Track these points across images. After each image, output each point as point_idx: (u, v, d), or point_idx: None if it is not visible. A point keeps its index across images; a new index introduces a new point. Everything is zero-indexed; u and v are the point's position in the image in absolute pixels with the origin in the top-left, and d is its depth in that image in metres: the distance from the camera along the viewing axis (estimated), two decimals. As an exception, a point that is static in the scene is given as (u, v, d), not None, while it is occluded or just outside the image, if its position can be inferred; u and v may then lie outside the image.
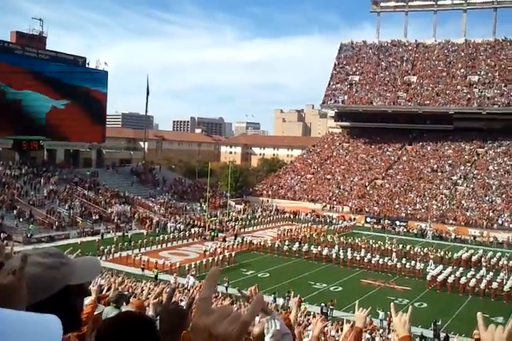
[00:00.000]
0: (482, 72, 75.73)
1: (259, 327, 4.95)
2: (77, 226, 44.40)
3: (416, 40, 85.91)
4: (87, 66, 61.79)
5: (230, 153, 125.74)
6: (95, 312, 4.03)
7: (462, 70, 77.31)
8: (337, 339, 15.20)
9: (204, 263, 33.64)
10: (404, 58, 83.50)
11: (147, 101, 69.91)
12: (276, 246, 40.26)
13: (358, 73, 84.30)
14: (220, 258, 35.63)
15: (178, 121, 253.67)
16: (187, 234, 44.54)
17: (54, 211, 46.04)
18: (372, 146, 75.75)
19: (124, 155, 73.17)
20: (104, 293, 8.13)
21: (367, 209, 59.30)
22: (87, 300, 3.95)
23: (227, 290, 28.73)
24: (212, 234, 45.18)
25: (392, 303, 3.19)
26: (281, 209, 61.46)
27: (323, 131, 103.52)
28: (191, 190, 63.86)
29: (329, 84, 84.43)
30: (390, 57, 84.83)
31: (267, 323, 3.12)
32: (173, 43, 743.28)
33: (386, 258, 36.61)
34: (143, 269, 32.71)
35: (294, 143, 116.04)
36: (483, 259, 37.82)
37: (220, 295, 26.01)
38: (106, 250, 35.83)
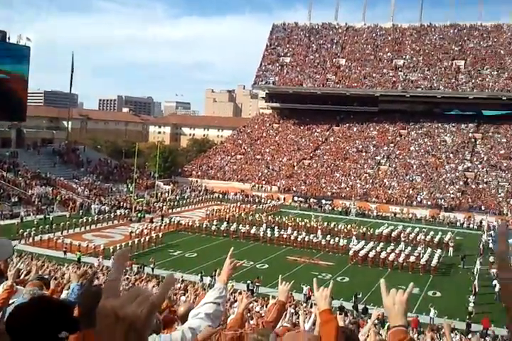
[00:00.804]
0: (407, 56, 78.21)
1: (184, 306, 4.81)
2: (-6, 209, 42.15)
3: (346, 24, 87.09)
4: (7, 41, 57.93)
5: (159, 133, 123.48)
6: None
7: (389, 54, 79.46)
8: (262, 314, 15.36)
9: (130, 244, 33.00)
10: (334, 41, 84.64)
11: (71, 78, 67.06)
12: (205, 226, 40.10)
13: (289, 55, 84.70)
14: (147, 239, 35.10)
15: (104, 100, 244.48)
16: (112, 216, 43.47)
17: (-31, 193, 43.41)
18: (302, 127, 76.79)
19: (46, 134, 69.73)
20: (22, 277, 8.00)
21: (294, 189, 60.31)
22: (3, 285, 3.83)
23: (153, 271, 28.38)
24: (139, 215, 44.33)
25: (314, 279, 3.18)
26: (211, 189, 61.32)
27: (254, 111, 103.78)
28: (117, 170, 62.17)
29: (261, 64, 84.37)
30: (321, 39, 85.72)
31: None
32: (103, 19, 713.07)
33: (312, 236, 37.49)
34: (65, 252, 31.60)
35: (225, 123, 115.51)
36: (402, 235, 39.52)
37: (145, 276, 25.65)
38: (26, 233, 34.23)
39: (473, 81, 71.15)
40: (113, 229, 40.54)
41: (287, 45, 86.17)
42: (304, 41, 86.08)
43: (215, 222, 41.16)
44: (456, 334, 19.93)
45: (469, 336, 20.77)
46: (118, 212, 45.02)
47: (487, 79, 70.62)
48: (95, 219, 41.37)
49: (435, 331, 20.84)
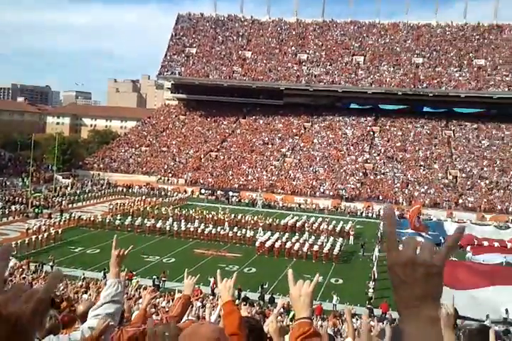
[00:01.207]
0: (310, 51, 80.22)
1: (84, 305, 4.48)
2: None
3: (252, 17, 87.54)
4: None
5: (58, 124, 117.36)
6: None
7: (293, 48, 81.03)
8: (167, 310, 15.02)
9: (27, 242, 31.15)
10: (240, 33, 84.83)
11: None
12: (108, 220, 38.70)
13: (195, 45, 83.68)
14: (45, 236, 33.22)
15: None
16: (6, 212, 40.68)
17: None
18: (208, 119, 76.42)
19: None
20: None
21: (202, 181, 59.98)
22: None
23: (52, 269, 26.91)
24: (36, 210, 41.84)
25: (218, 270, 3.16)
26: (114, 182, 59.31)
27: (160, 102, 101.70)
28: (12, 163, 58.32)
29: (166, 55, 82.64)
30: (227, 31, 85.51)
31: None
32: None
33: (219, 228, 37.43)
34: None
35: (129, 114, 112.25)
36: (306, 225, 40.64)
37: (44, 275, 24.26)
38: None
39: (371, 76, 74.56)
40: (8, 225, 38.08)
41: (193, 36, 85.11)
42: (209, 32, 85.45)
43: (118, 217, 39.76)
44: (357, 319, 20.72)
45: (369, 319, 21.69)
46: (13, 207, 42.17)
47: (384, 75, 74.30)
48: (-14, 215, 38.54)
49: (338, 317, 21.68)
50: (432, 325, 1.15)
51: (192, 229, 37.26)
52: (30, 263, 27.46)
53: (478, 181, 56.85)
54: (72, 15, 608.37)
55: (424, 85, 71.56)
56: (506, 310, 22.30)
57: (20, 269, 24.79)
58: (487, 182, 56.54)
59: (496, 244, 35.69)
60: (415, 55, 76.31)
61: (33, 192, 47.73)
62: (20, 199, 45.50)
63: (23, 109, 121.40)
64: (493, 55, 73.78)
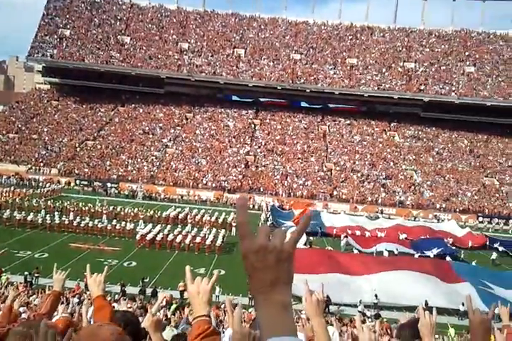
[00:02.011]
0: (192, 41, 79.44)
1: None
2: None
3: (130, 0, 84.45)
4: None
5: None
6: None
7: (174, 36, 79.65)
8: (38, 307, 14.02)
9: None
10: (118, 17, 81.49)
11: None
12: (-29, 213, 35.32)
13: (69, 27, 78.73)
14: None
15: None
16: None
17: None
18: (84, 106, 72.55)
19: None
20: None
21: (77, 172, 56.91)
22: None
23: None
24: None
25: (87, 265, 3.17)
26: (-23, 172, 54.26)
27: (30, 86, 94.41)
28: None
29: (36, 35, 76.75)
30: (104, 14, 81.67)
31: None
32: None
33: (96, 221, 35.80)
34: None
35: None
36: (188, 216, 40.23)
37: None
38: None
39: (252, 70, 75.81)
40: None
41: (66, 17, 79.99)
42: (85, 14, 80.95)
43: (-17, 210, 36.46)
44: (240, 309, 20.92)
45: (250, 310, 22.05)
46: None
47: (264, 69, 75.94)
48: None
49: (220, 308, 21.81)
50: (284, 309, 1.20)
51: (67, 222, 35.14)
52: None
53: (351, 174, 60.60)
54: None
55: (302, 81, 74.34)
56: (376, 296, 23.99)
57: None
58: (359, 175, 60.48)
59: (368, 234, 38.33)
60: (293, 51, 78.94)
61: None
62: None
63: None
64: (364, 55, 78.72)
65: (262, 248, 1.21)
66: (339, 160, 63.61)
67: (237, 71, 75.36)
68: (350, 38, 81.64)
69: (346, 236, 35.80)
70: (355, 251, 32.88)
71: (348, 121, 73.43)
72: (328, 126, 72.76)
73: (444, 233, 39.45)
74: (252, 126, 71.48)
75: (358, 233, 38.22)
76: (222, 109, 74.26)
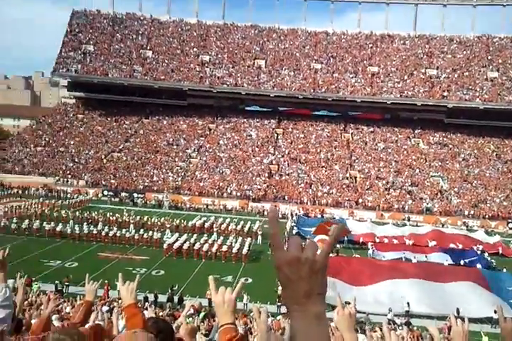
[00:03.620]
0: (213, 53, 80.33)
1: None
2: None
3: (151, 15, 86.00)
4: None
5: None
6: None
7: (195, 49, 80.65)
8: (71, 315, 14.25)
9: None
10: (140, 32, 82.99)
11: None
12: (3, 224, 36.20)
13: (92, 43, 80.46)
14: None
15: None
16: None
17: None
18: (109, 119, 73.84)
19: None
20: None
21: (104, 183, 57.79)
22: None
23: None
24: None
25: (119, 274, 3.14)
26: (8, 184, 55.56)
27: (55, 101, 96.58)
28: None
29: (61, 51, 78.61)
30: (126, 29, 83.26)
31: None
32: None
33: (124, 230, 36.26)
34: None
35: (22, 112, 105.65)
36: (214, 225, 40.47)
37: None
38: None
39: (273, 80, 76.21)
40: None
41: (90, 32, 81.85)
42: (107, 30, 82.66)
43: (15, 220, 37.22)
44: (268, 317, 20.89)
45: (278, 317, 22.00)
46: None
47: (285, 79, 76.29)
48: None
49: (248, 316, 21.82)
50: (318, 320, 1.20)
51: (95, 232, 35.76)
52: None
53: (376, 181, 60.18)
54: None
55: (323, 90, 74.45)
56: (408, 303, 23.68)
57: None
58: (384, 182, 60.04)
59: (395, 241, 37.93)
60: (314, 61, 79.13)
61: None
62: None
63: None
64: (385, 62, 78.52)
65: (295, 259, 1.21)
66: (363, 168, 63.27)
67: (258, 82, 75.87)
68: (370, 46, 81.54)
69: (373, 244, 35.52)
70: (384, 258, 32.56)
71: (372, 129, 73.09)
72: (352, 134, 72.52)
73: (474, 240, 38.88)
74: (275, 135, 71.69)
75: (385, 241, 37.90)
76: (245, 119, 74.70)
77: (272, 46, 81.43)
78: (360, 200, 55.84)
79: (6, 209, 42.00)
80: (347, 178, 61.20)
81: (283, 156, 65.90)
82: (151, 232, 36.26)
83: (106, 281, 23.26)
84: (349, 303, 3.19)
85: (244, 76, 76.60)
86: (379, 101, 72.64)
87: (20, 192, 53.21)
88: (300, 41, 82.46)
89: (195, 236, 35.93)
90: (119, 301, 22.52)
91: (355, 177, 61.45)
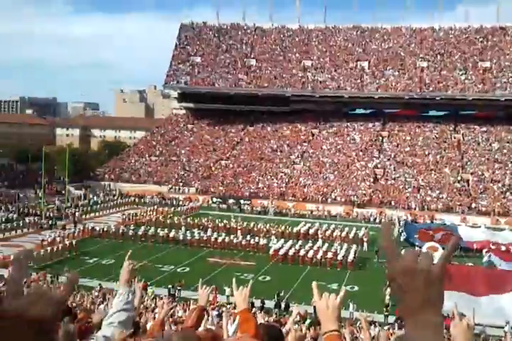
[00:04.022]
0: (315, 57, 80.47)
1: (98, 315, 4.62)
2: None
3: (254, 24, 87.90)
4: None
5: (67, 135, 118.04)
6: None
7: (297, 55, 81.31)
8: (183, 319, 15.10)
9: (42, 253, 31.30)
10: (244, 41, 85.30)
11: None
12: (121, 231, 38.96)
13: (199, 54, 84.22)
14: (60, 247, 33.44)
15: (2, 101, 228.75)
16: (21, 224, 41.01)
17: None
18: (216, 127, 76.73)
19: None
20: None
21: (212, 190, 60.12)
22: None
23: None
24: (50, 222, 42.15)
25: (233, 279, 3.28)
26: (126, 193, 59.66)
27: (167, 112, 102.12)
28: (24, 176, 58.77)
29: (171, 64, 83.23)
30: (230, 39, 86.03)
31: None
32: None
33: (232, 236, 37.50)
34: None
35: (137, 124, 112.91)
36: (319, 232, 40.46)
37: (60, 285, 24.42)
38: None
39: (377, 81, 74.63)
40: (22, 237, 38.27)
41: (197, 44, 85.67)
42: (213, 41, 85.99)
43: (132, 227, 40.05)
44: (375, 326, 20.60)
45: (386, 327, 21.56)
46: (27, 219, 42.54)
47: (390, 80, 74.36)
48: (2, 227, 38.95)
49: (355, 325, 21.63)
50: (435, 331, 1.19)
51: (205, 238, 37.35)
52: (46, 275, 27.62)
53: (491, 185, 56.57)
54: (73, 26, 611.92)
55: (430, 89, 71.55)
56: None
57: (37, 281, 25.00)
58: (499, 185, 56.31)
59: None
60: (419, 59, 76.34)
61: (46, 203, 48.07)
62: (33, 211, 45.91)
63: (31, 121, 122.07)
64: (498, 57, 73.69)
65: (410, 270, 1.21)
66: (477, 170, 59.76)
67: (361, 84, 74.75)
68: (480, 40, 76.96)
69: (488, 252, 33.48)
70: (501, 268, 30.58)
71: (485, 128, 68.85)
72: (463, 135, 68.85)
73: None
74: (380, 138, 70.07)
75: (503, 248, 35.53)
76: (348, 123, 73.84)
77: (375, 46, 79.82)
78: (474, 205, 52.78)
79: (124, 217, 45.29)
80: (458, 181, 58.15)
81: (389, 160, 64.22)
82: (257, 238, 37.15)
83: (213, 286, 24.30)
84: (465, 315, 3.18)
85: (347, 79, 75.85)
86: (492, 99, 68.34)
87: (136, 200, 56.88)
88: (404, 39, 79.95)
89: (300, 242, 36.24)
90: (228, 306, 23.50)
91: (468, 181, 58.21)
